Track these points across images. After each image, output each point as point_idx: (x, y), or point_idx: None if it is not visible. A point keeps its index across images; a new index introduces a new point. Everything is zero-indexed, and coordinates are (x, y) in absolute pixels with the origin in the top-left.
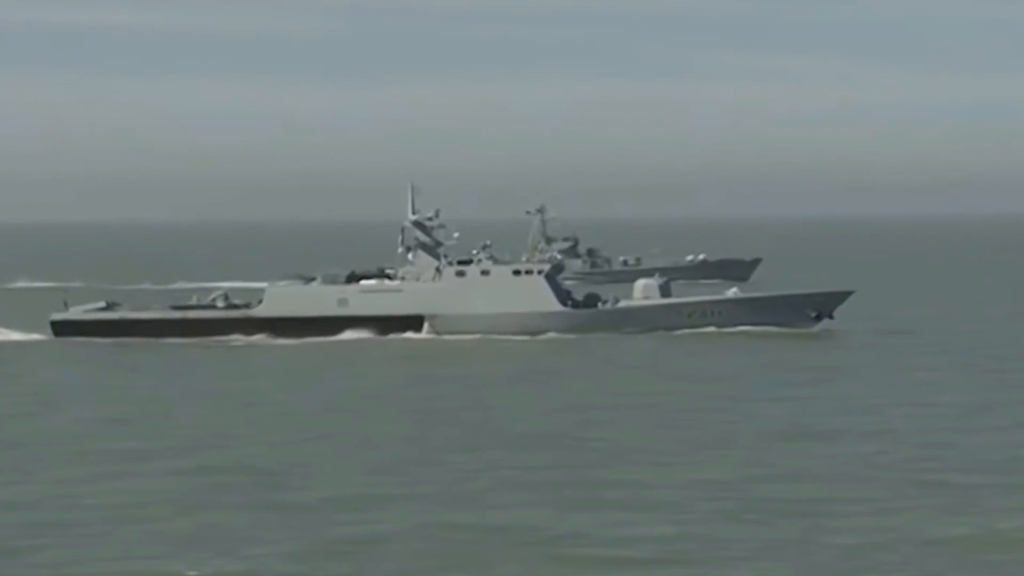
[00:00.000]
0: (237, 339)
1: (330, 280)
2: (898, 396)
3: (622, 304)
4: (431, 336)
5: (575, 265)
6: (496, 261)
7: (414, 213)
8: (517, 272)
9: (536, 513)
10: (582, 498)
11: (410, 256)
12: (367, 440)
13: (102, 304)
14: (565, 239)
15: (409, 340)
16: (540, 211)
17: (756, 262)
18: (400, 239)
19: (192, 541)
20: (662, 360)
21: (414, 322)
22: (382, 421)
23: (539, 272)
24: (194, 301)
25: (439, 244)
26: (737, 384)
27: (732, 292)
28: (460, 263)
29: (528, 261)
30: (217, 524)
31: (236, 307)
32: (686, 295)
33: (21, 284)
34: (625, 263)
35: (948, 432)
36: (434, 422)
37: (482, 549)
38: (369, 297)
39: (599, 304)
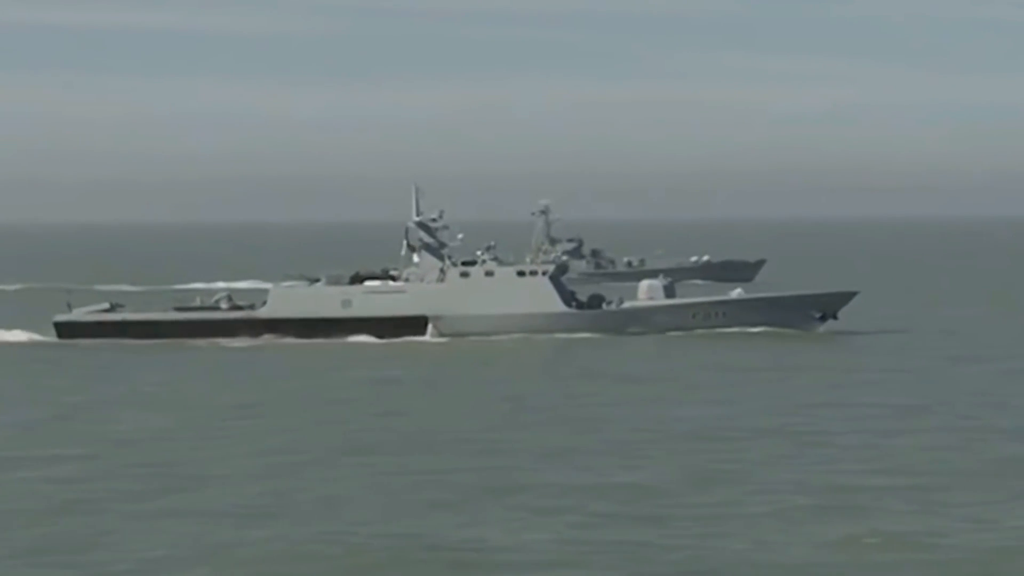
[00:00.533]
0: (241, 340)
1: (334, 281)
2: (846, 396)
3: (627, 305)
4: (434, 338)
5: (579, 266)
6: (500, 262)
7: (418, 214)
8: (521, 273)
9: (432, 519)
10: (480, 503)
11: (415, 257)
12: (280, 445)
13: (106, 305)
14: (569, 240)
15: (392, 342)
16: (544, 212)
17: (760, 263)
18: (404, 240)
19: (44, 549)
20: (634, 361)
21: (418, 323)
22: (308, 425)
23: (543, 273)
24: (198, 302)
25: (443, 245)
26: (688, 384)
27: (736, 293)
28: (464, 264)
29: (532, 262)
30: (78, 531)
31: (240, 308)
32: (690, 296)
33: (17, 286)
34: (629, 264)
35: (872, 434)
36: (362, 427)
37: (371, 554)
38: (373, 298)
39: (603, 305)
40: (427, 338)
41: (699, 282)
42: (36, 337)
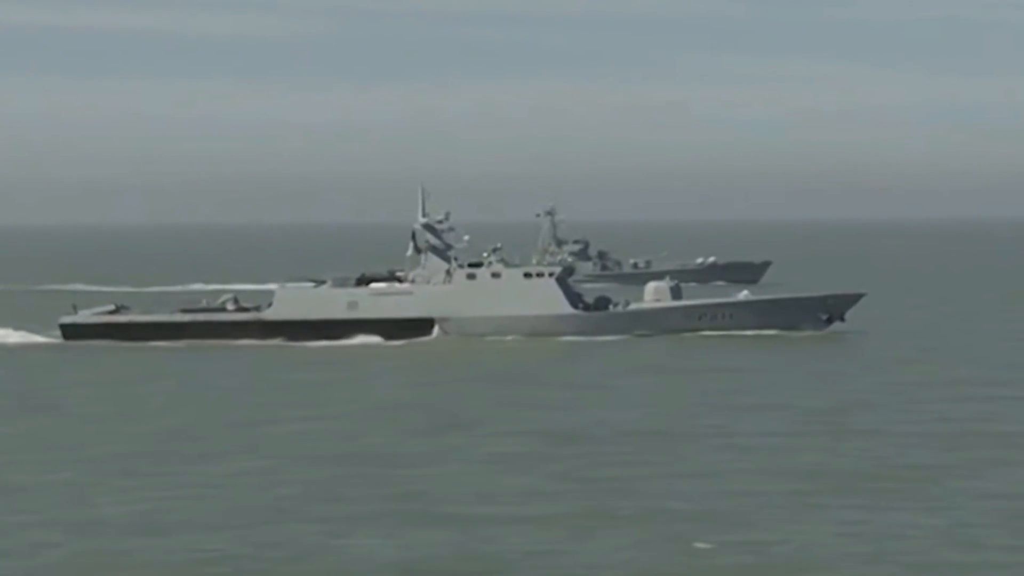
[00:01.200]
0: (247, 342)
1: (340, 283)
2: (777, 397)
3: (633, 307)
4: (440, 339)
5: (586, 268)
6: (507, 264)
7: (424, 216)
8: (528, 275)
9: (288, 526)
10: (347, 509)
11: (421, 259)
12: (167, 449)
13: (111, 307)
14: (575, 242)
15: (371, 344)
16: (550, 214)
17: (766, 265)
18: (411, 242)
19: None
20: (587, 365)
21: (424, 325)
22: (205, 429)
23: (550, 275)
24: (204, 304)
25: (449, 247)
26: (624, 388)
27: (743, 295)
28: (471, 266)
29: (539, 264)
30: None
31: (246, 310)
32: (697, 298)
33: (2, 287)
34: (635, 266)
35: (779, 436)
36: (250, 432)
37: (223, 564)
38: (379, 300)
39: (610, 307)
40: (432, 338)
41: (705, 284)
42: (43, 339)
